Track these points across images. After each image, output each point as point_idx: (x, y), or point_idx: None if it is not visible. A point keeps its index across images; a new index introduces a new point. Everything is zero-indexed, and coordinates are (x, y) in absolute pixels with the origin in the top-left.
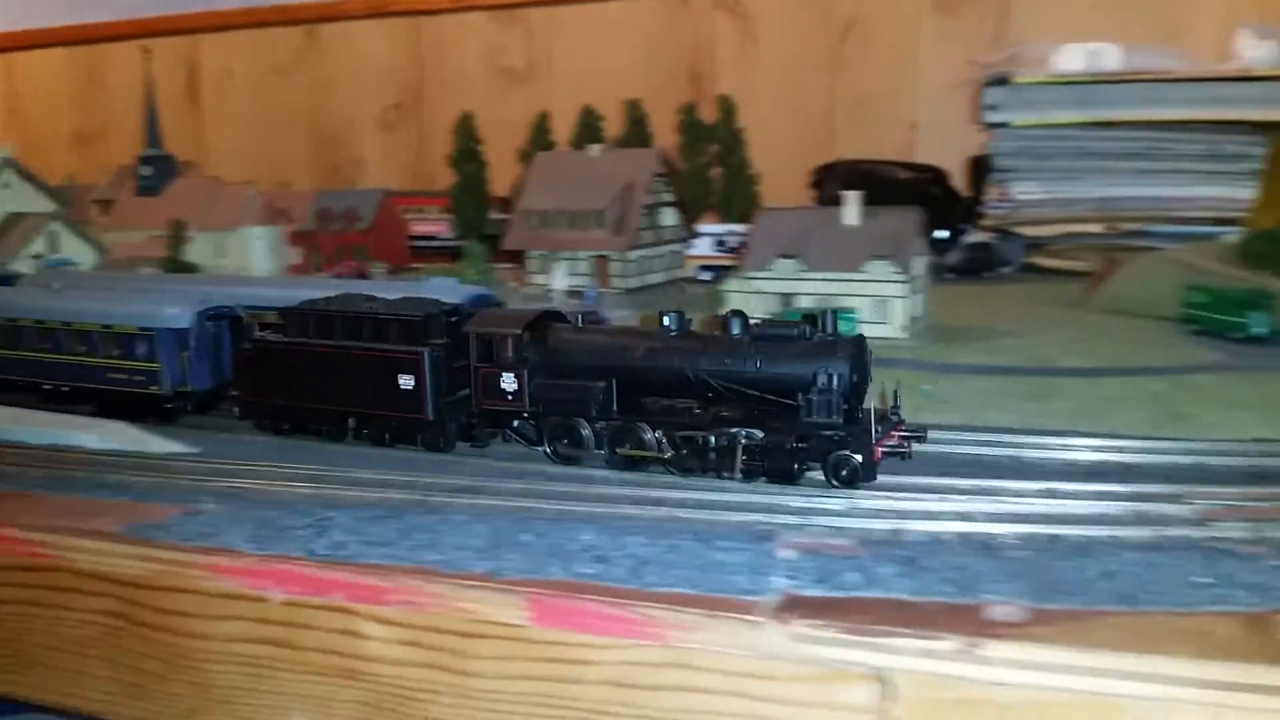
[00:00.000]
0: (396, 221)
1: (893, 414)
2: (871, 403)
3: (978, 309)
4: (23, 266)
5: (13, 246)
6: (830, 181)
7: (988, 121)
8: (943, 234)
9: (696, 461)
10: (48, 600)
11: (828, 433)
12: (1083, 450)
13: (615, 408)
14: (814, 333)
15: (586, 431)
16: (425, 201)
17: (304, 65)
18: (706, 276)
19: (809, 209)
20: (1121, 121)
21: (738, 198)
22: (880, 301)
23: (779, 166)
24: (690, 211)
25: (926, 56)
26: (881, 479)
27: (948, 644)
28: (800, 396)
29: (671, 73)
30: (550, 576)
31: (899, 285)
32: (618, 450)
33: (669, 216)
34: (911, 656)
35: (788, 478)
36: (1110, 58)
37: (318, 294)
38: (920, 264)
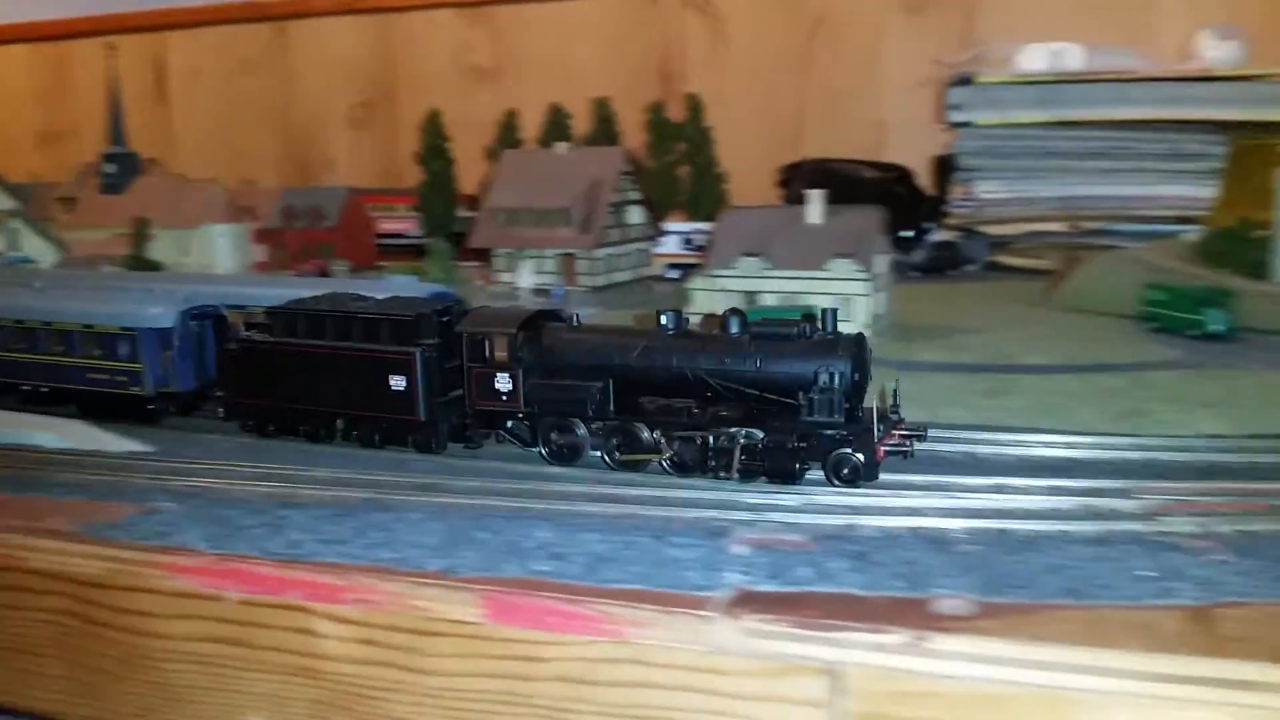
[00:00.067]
0: (363, 219)
1: (892, 412)
2: (874, 401)
3: (941, 307)
4: None
5: None
6: (797, 180)
7: (952, 121)
8: (908, 233)
9: (695, 461)
10: (2, 600)
11: (829, 432)
12: (1036, 446)
13: (612, 408)
14: (814, 331)
15: (582, 432)
16: (393, 199)
17: (272, 62)
18: (674, 274)
19: (773, 207)
20: (1084, 121)
21: (705, 196)
22: (843, 299)
23: (748, 165)
24: (657, 210)
25: (894, 56)
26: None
27: (897, 638)
28: (801, 395)
29: (641, 71)
30: (506, 574)
31: (862, 283)
32: (615, 451)
33: (635, 215)
34: (861, 650)
35: (789, 478)
36: (1073, 58)
37: (302, 293)
38: (883, 262)
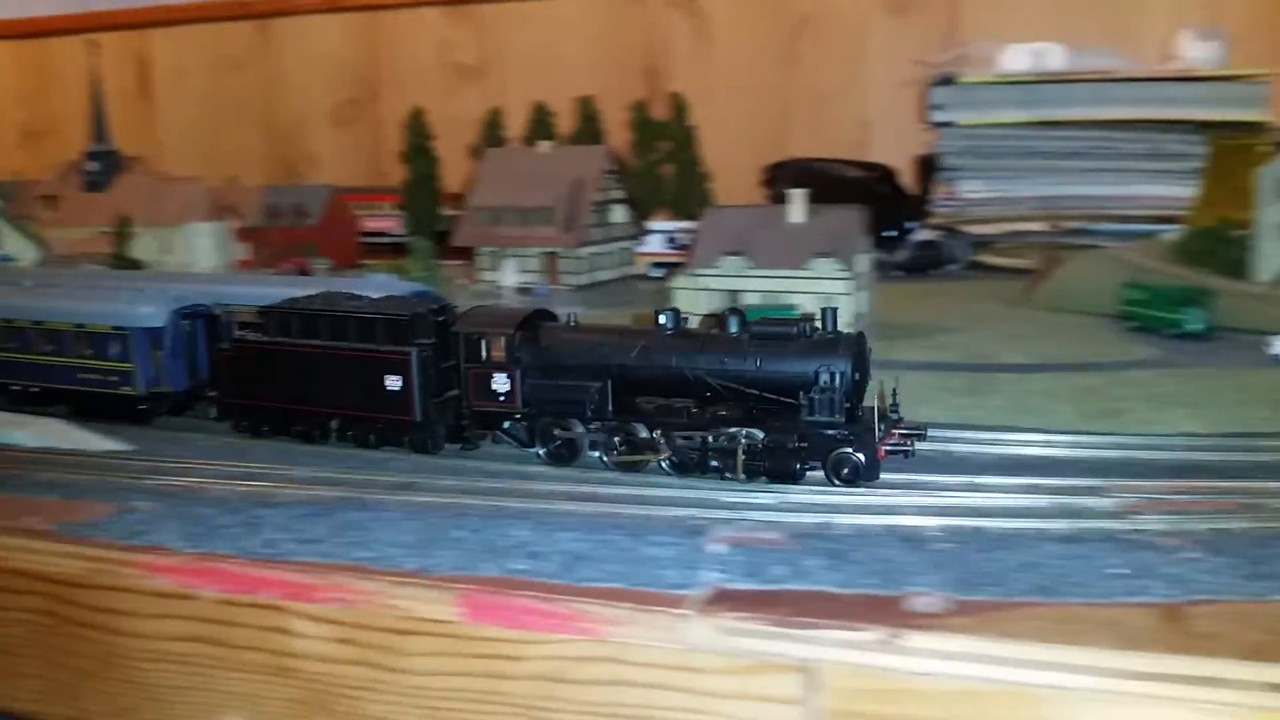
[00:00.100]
0: (346, 217)
1: (892, 411)
2: (874, 400)
3: (922, 306)
4: None
5: None
6: (781, 180)
7: (934, 121)
8: (891, 232)
9: (694, 462)
10: None
11: (830, 432)
12: (1013, 445)
13: (610, 408)
14: (813, 330)
15: (580, 432)
16: (377, 198)
17: (257, 60)
18: (658, 273)
19: (755, 207)
20: (1065, 121)
21: (690, 195)
22: (825, 299)
23: (733, 164)
24: (642, 208)
25: (878, 55)
26: (814, 474)
27: (870, 635)
28: (802, 395)
29: (625, 70)
30: (482, 573)
31: (843, 282)
32: (613, 451)
33: (619, 213)
34: (835, 648)
35: (790, 477)
36: (1055, 58)
37: (294, 293)
38: (864, 261)
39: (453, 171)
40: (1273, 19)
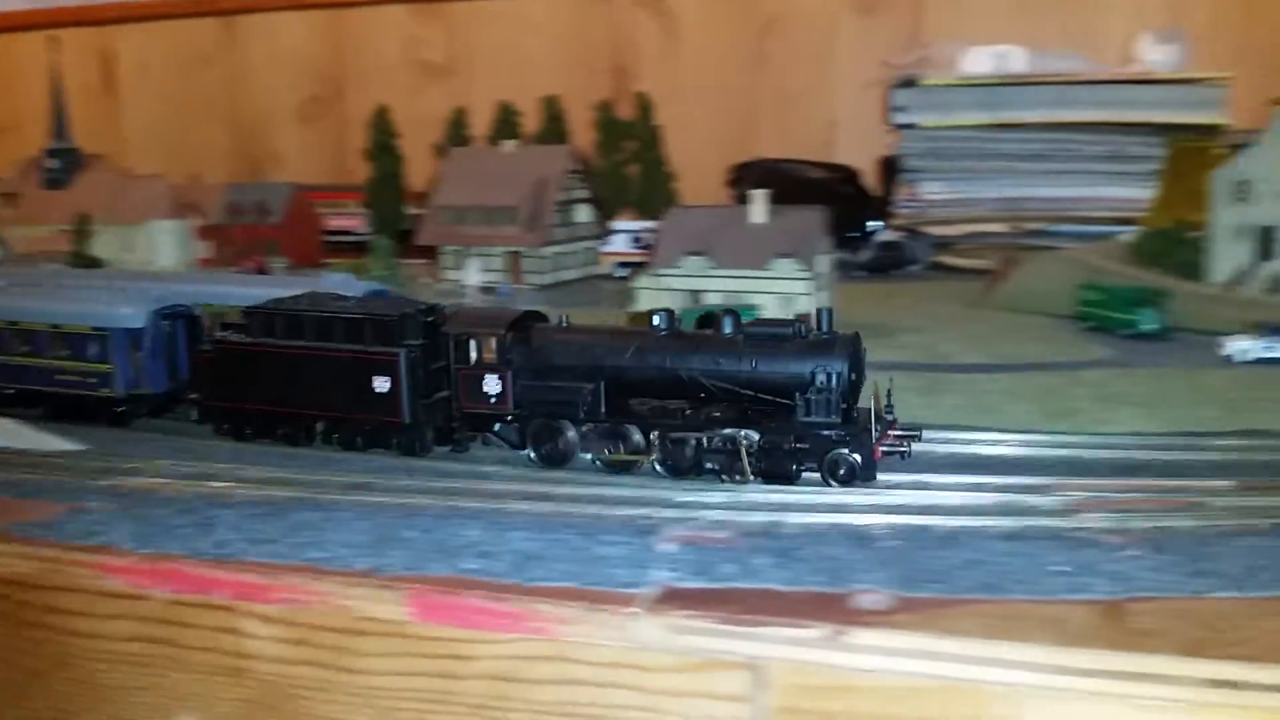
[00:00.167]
0: (309, 215)
1: (887, 412)
2: (870, 402)
3: (883, 307)
4: None
5: None
6: (747, 180)
7: (896, 123)
8: (854, 233)
9: (688, 464)
10: None
11: (826, 432)
12: (964, 444)
13: (603, 409)
14: (809, 331)
15: (572, 434)
16: (341, 196)
17: (222, 57)
18: (623, 273)
19: (717, 207)
20: (1026, 123)
21: (655, 195)
22: (785, 299)
23: (701, 164)
24: (607, 208)
25: (845, 56)
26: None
27: (816, 632)
28: (798, 396)
29: (593, 69)
30: (433, 573)
31: (804, 283)
32: (606, 453)
33: (583, 213)
34: (782, 645)
35: (787, 479)
36: (1016, 60)
37: (278, 293)
38: (825, 262)
39: (419, 170)
40: (1233, 21)
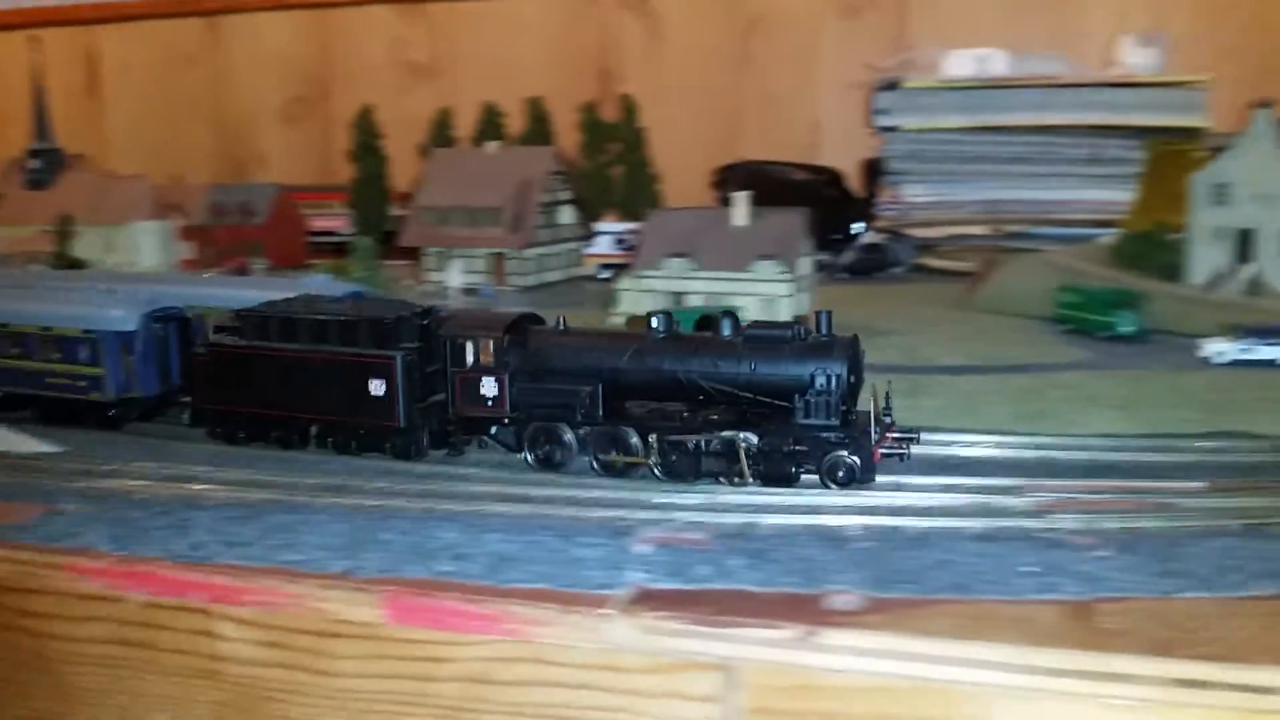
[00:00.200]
0: (293, 216)
1: (885, 415)
2: (869, 404)
3: (865, 309)
4: None
5: None
6: (731, 182)
7: (879, 125)
8: (838, 235)
9: (687, 466)
10: None
11: (825, 435)
12: (940, 445)
13: (600, 412)
14: (807, 333)
15: (569, 437)
16: (325, 196)
17: (206, 57)
18: (606, 275)
19: (699, 209)
20: (1007, 126)
21: (639, 197)
22: (767, 301)
23: (685, 165)
24: (591, 210)
25: (830, 58)
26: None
27: (788, 633)
28: (797, 398)
29: (578, 70)
30: (409, 575)
31: (785, 285)
32: (603, 456)
33: (566, 215)
34: (754, 646)
35: (786, 481)
36: (998, 63)
37: (272, 295)
38: (806, 264)
39: (404, 171)
40: (1214, 24)
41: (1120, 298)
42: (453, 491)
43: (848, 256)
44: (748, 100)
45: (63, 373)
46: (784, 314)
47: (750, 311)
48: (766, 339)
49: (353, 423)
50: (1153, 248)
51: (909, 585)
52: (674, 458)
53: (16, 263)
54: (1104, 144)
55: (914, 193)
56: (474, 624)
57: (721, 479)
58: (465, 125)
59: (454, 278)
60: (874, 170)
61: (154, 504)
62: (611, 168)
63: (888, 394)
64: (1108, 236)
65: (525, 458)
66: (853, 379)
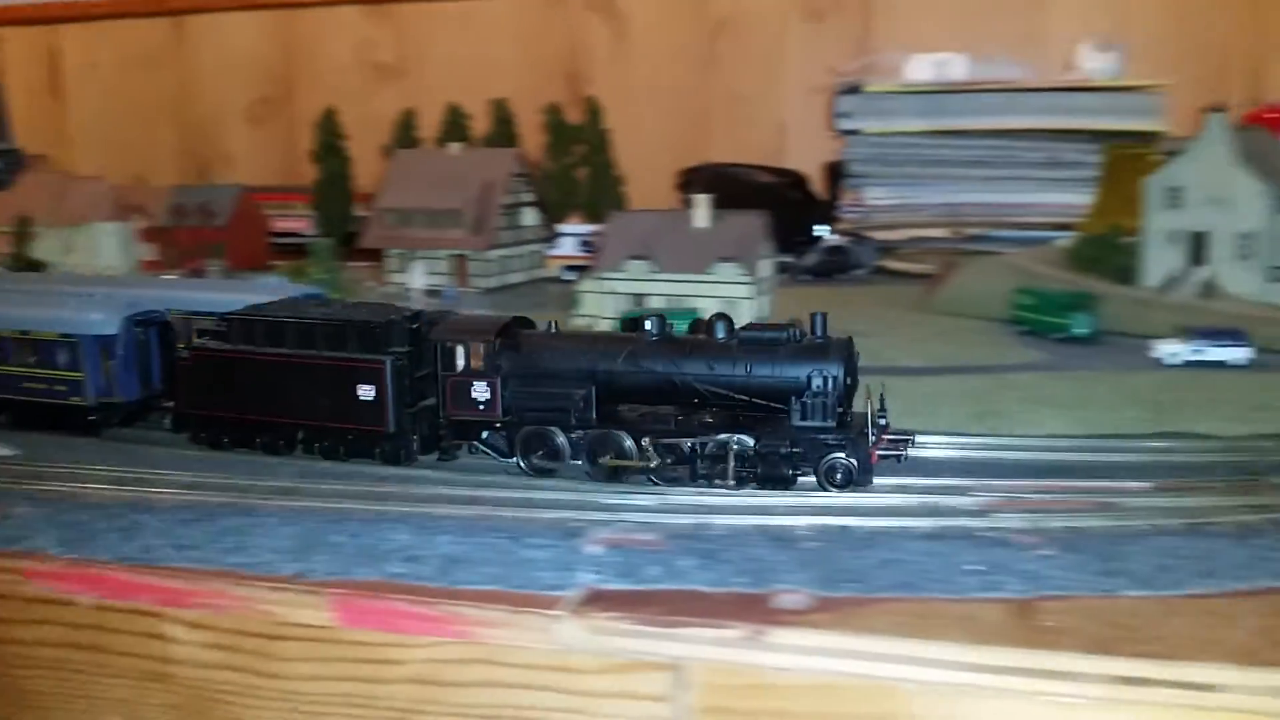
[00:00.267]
0: (255, 217)
1: (880, 416)
2: (865, 406)
3: (826, 311)
4: None
5: None
6: (696, 184)
7: (841, 128)
8: (801, 237)
9: (683, 469)
10: None
11: (821, 437)
12: None
13: (594, 415)
14: (802, 334)
15: (562, 440)
16: (289, 197)
17: (171, 57)
18: (571, 276)
19: (660, 211)
20: (967, 130)
21: (604, 198)
22: (728, 303)
23: (652, 167)
24: (556, 212)
25: (795, 61)
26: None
27: (736, 632)
28: (794, 400)
29: (545, 72)
30: (359, 577)
31: (746, 287)
32: (599, 460)
33: (529, 216)
34: (703, 645)
35: (783, 484)
36: (957, 68)
37: (255, 298)
38: (767, 266)
39: (370, 172)
40: (1176, 30)
41: (1075, 300)
42: (404, 494)
43: (810, 259)
44: (714, 103)
45: (41, 377)
46: (744, 317)
47: (710, 313)
48: (762, 341)
49: (341, 428)
50: (1108, 250)
51: (855, 584)
52: (670, 461)
53: None
54: (1062, 148)
55: (875, 195)
56: (424, 626)
57: (715, 482)
58: (431, 126)
59: (416, 279)
60: (836, 173)
61: (105, 507)
62: (577, 169)
63: (881, 395)
64: (1065, 239)
65: (517, 462)
66: (849, 381)
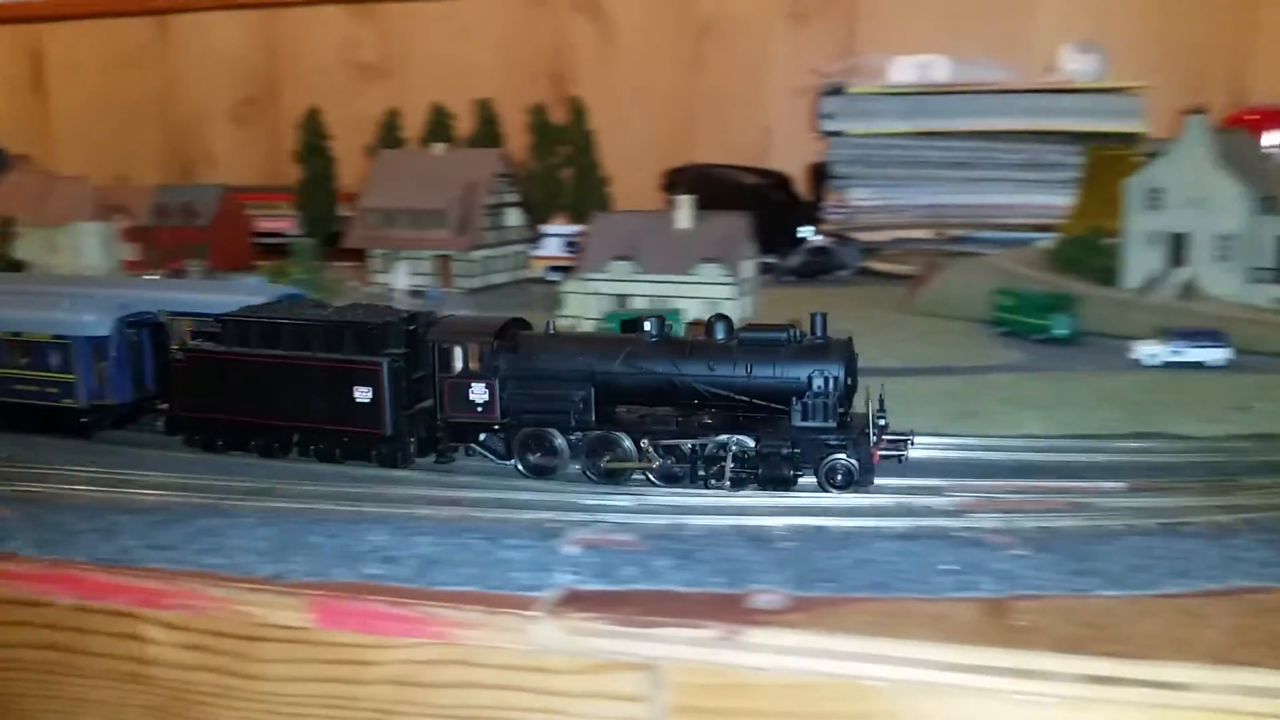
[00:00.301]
0: (238, 217)
1: (880, 416)
2: (868, 407)
3: (810, 311)
4: None
5: None
6: (680, 185)
7: (824, 130)
8: (786, 238)
9: (683, 471)
10: None
11: (822, 437)
12: None
13: (593, 417)
14: (802, 335)
15: (560, 442)
16: (272, 197)
17: (154, 56)
18: (555, 277)
19: (644, 212)
20: (949, 131)
21: (588, 199)
22: (710, 304)
23: (638, 168)
24: (540, 212)
25: (780, 63)
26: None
27: (711, 632)
28: (794, 400)
29: (530, 72)
30: (336, 578)
31: (728, 288)
32: (598, 462)
33: (513, 217)
34: (678, 645)
35: (784, 484)
36: (940, 70)
37: (250, 299)
38: (750, 267)
39: (353, 172)
40: (1158, 32)
41: (1055, 301)
42: (382, 495)
43: (793, 259)
44: (698, 104)
45: (33, 379)
46: None
47: (692, 314)
48: (762, 342)
49: (337, 430)
50: (1089, 252)
51: (830, 584)
52: (670, 462)
53: None
54: (1043, 149)
55: (858, 197)
56: (401, 627)
57: (714, 482)
58: (415, 127)
59: (400, 280)
60: (820, 174)
61: (82, 508)
62: (561, 170)
63: (881, 396)
64: (1046, 240)
65: (515, 465)
66: (849, 381)
